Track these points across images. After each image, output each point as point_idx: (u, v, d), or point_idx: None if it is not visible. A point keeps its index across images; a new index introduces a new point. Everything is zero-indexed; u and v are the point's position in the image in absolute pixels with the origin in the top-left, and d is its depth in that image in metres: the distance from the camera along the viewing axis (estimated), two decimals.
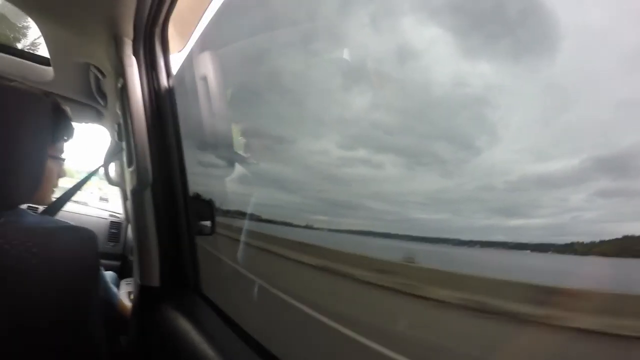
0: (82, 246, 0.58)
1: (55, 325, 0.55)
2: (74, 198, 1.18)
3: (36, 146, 0.62)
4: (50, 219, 0.81)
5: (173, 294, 0.73)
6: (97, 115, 1.53)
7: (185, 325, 0.64)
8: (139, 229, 0.73)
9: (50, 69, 1.20)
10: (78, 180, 1.13)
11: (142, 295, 0.75)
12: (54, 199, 0.95)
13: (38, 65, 1.24)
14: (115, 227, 1.93)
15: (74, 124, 0.78)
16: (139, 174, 0.67)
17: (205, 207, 1.45)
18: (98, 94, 1.29)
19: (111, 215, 2.07)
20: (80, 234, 0.60)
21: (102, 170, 1.76)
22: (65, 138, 0.98)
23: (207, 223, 1.44)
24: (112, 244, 1.85)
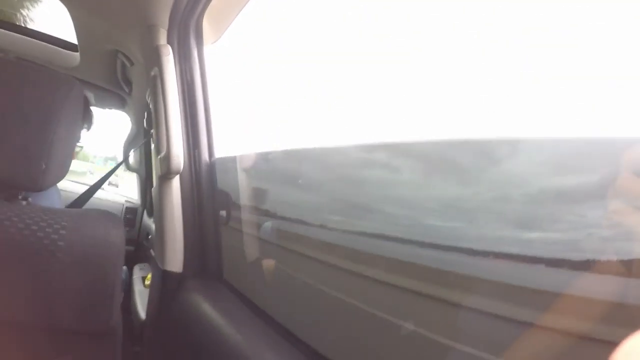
0: (110, 231, 0.59)
1: (80, 309, 0.56)
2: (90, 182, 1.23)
3: (69, 131, 0.64)
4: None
5: (195, 280, 0.76)
6: (121, 102, 1.58)
7: (208, 310, 0.66)
8: (164, 215, 0.75)
9: (76, 54, 1.24)
10: (104, 174, 1.16)
11: (164, 281, 0.77)
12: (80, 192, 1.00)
13: (64, 50, 1.28)
14: (130, 213, 1.99)
15: (97, 109, 0.81)
16: (170, 161, 0.70)
17: (221, 197, 1.49)
18: (123, 81, 1.33)
19: (127, 201, 2.12)
20: (108, 219, 0.62)
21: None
22: (86, 126, 1.01)
23: (223, 213, 1.48)
24: (127, 229, 1.91)
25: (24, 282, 0.52)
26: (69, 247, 0.54)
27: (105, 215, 0.63)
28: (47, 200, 0.70)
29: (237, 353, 0.54)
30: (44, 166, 0.60)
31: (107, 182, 1.21)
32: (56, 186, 0.74)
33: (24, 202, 0.63)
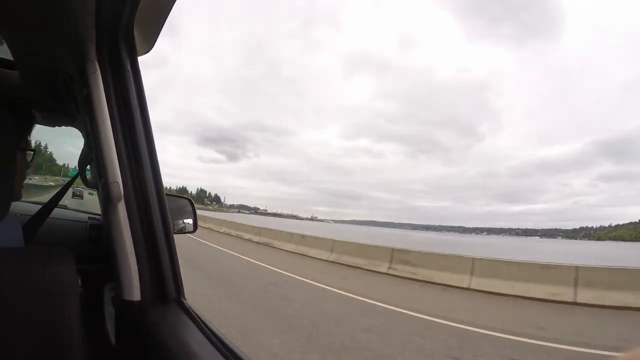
0: (59, 268, 0.58)
1: (39, 354, 0.55)
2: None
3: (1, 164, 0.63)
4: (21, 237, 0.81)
5: (154, 307, 0.74)
6: (69, 119, 1.52)
7: (168, 339, 0.66)
8: (115, 243, 0.73)
9: (15, 72, 1.19)
10: (57, 191, 1.14)
11: (125, 309, 0.75)
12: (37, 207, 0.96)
13: (2, 69, 1.22)
14: (95, 230, 1.94)
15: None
16: (109, 189, 0.68)
17: (186, 205, 1.45)
18: (69, 97, 1.28)
19: (90, 218, 2.07)
20: (57, 255, 0.61)
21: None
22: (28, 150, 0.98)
23: (189, 221, 1.44)
24: (94, 247, 1.86)
25: None
26: (17, 293, 0.53)
27: (53, 251, 0.62)
28: (2, 235, 0.67)
29: None
30: None
31: (71, 194, 1.18)
32: (11, 213, 0.72)
33: None
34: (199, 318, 0.71)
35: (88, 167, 1.84)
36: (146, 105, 0.76)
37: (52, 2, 0.70)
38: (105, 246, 1.85)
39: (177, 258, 0.77)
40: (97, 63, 0.72)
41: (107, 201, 0.71)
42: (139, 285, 0.74)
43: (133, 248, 0.73)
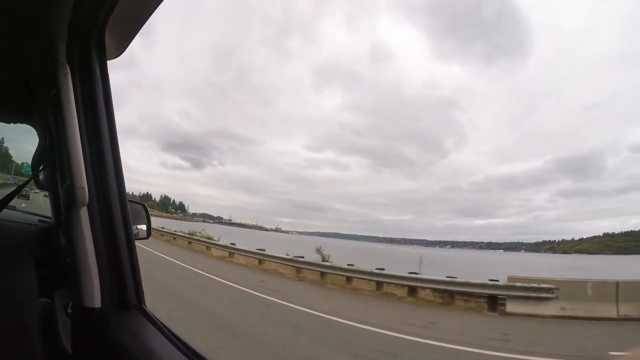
0: (20, 275, 0.59)
1: None
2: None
3: None
4: None
5: (115, 313, 0.74)
6: (25, 115, 1.48)
7: (129, 343, 0.66)
8: (76, 249, 0.73)
9: None
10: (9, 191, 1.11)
11: (85, 316, 0.75)
12: None
13: None
14: (45, 233, 1.87)
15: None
16: (75, 193, 0.68)
17: (140, 210, 1.44)
18: (26, 95, 1.26)
19: (41, 221, 2.00)
20: (17, 260, 0.61)
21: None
22: None
23: (143, 227, 1.43)
24: (43, 251, 1.79)
25: None
26: None
27: (13, 256, 0.62)
28: None
29: None
30: None
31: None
32: None
33: None
34: (162, 323, 0.72)
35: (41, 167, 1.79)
36: (113, 111, 0.77)
37: (29, 2, 0.71)
38: (58, 251, 1.80)
39: (138, 264, 0.78)
40: (67, 65, 0.72)
41: (70, 206, 0.71)
42: (99, 291, 0.74)
43: (95, 254, 0.73)
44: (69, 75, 0.72)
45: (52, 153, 0.84)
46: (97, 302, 0.74)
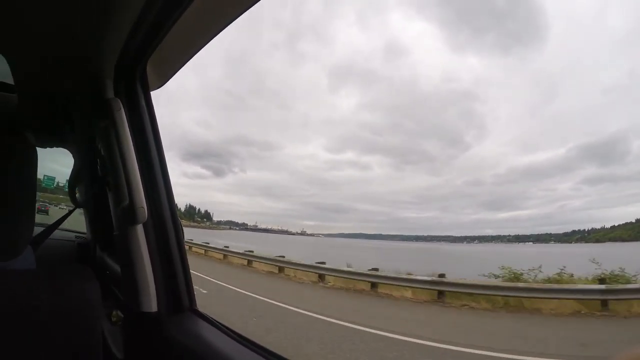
0: (86, 286, 0.68)
1: None
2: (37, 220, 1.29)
3: (25, 194, 0.73)
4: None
5: (171, 316, 0.84)
6: (62, 140, 1.62)
7: (190, 343, 0.76)
8: (133, 260, 0.83)
9: (14, 95, 1.28)
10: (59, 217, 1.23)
11: (140, 321, 0.85)
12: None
13: (1, 92, 1.31)
14: (83, 249, 2.01)
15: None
16: (135, 212, 0.78)
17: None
18: (64, 120, 1.38)
19: (77, 237, 2.14)
20: (81, 274, 0.71)
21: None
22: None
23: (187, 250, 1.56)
24: (82, 266, 1.93)
25: (19, 348, 0.60)
26: (51, 311, 0.63)
27: (78, 270, 0.72)
28: (20, 261, 0.76)
29: None
30: (9, 235, 0.69)
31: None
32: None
33: None
34: (217, 322, 0.82)
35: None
36: (159, 136, 0.88)
37: (76, 43, 0.81)
38: (96, 265, 1.93)
39: (189, 271, 0.88)
40: (118, 100, 0.83)
41: (130, 223, 0.82)
42: (156, 297, 0.84)
43: (150, 264, 0.84)
44: (122, 110, 0.82)
45: (103, 176, 0.95)
46: (153, 307, 0.84)
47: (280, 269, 11.11)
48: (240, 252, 13.56)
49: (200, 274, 8.98)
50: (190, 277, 0.88)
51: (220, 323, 0.82)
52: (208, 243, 16.50)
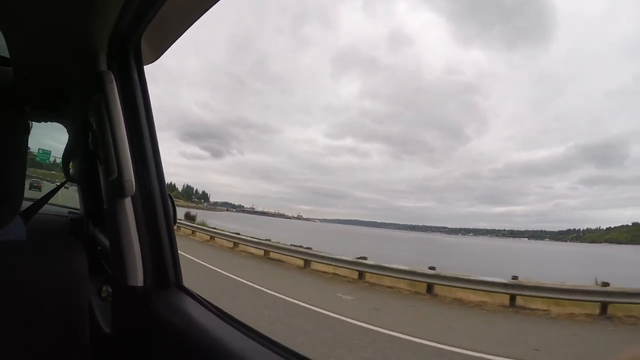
0: (73, 258, 0.70)
1: (57, 333, 0.67)
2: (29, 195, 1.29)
3: (16, 165, 0.74)
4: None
5: (157, 291, 0.86)
6: (57, 114, 1.61)
7: (174, 318, 0.77)
8: (120, 234, 0.84)
9: (9, 69, 1.27)
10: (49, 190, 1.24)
11: (127, 295, 0.86)
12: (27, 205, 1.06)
13: None
14: (76, 224, 2.03)
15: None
16: (123, 184, 0.79)
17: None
18: (59, 95, 1.38)
19: (70, 212, 2.15)
20: (70, 246, 0.72)
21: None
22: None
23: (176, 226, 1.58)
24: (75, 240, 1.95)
25: (5, 317, 0.62)
26: (40, 281, 0.65)
27: (67, 243, 0.74)
28: (10, 232, 0.77)
29: (213, 358, 0.65)
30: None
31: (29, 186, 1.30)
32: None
33: None
34: (202, 298, 0.84)
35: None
36: (151, 111, 0.89)
37: (70, 16, 0.81)
38: (88, 240, 1.95)
39: (176, 247, 0.89)
40: (111, 73, 0.83)
41: (117, 197, 0.83)
42: (142, 271, 0.85)
43: (137, 238, 0.85)
44: (114, 83, 0.82)
45: (94, 150, 0.95)
46: (139, 281, 0.85)
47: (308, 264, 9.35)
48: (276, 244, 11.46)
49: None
50: (177, 253, 0.90)
51: (204, 299, 0.83)
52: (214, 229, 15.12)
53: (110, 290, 1.26)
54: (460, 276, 7.36)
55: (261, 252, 11.24)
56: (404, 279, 7.60)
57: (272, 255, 10.85)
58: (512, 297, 6.48)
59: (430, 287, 7.22)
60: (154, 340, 0.81)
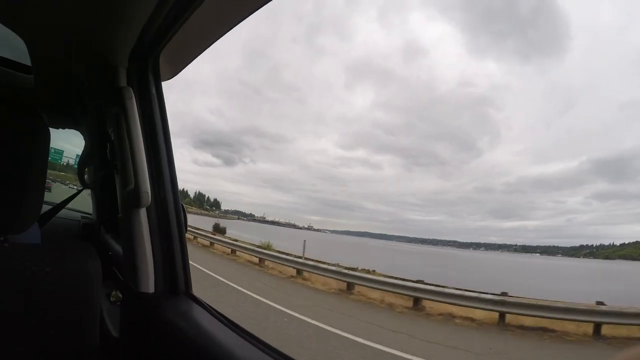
0: (88, 263, 0.74)
1: (68, 335, 0.70)
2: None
3: (37, 171, 0.77)
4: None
5: (167, 298, 0.89)
6: (74, 122, 1.68)
7: (181, 325, 0.80)
8: (135, 242, 0.88)
9: (30, 77, 1.33)
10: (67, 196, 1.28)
11: (138, 301, 0.90)
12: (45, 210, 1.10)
13: (18, 73, 1.37)
14: (88, 229, 2.08)
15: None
16: (140, 196, 0.83)
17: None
18: (77, 103, 1.43)
19: (83, 217, 2.20)
20: (84, 251, 0.76)
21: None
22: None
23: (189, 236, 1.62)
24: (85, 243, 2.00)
25: (19, 317, 0.65)
26: (51, 285, 0.68)
27: (80, 247, 0.77)
28: (26, 235, 0.81)
29: None
30: (18, 210, 0.73)
31: None
32: None
33: (6, 244, 0.75)
34: (210, 307, 0.86)
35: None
36: (168, 126, 0.93)
37: (93, 31, 0.85)
38: (100, 245, 1.99)
39: (187, 256, 0.93)
40: (130, 89, 0.87)
41: (133, 206, 0.86)
42: (153, 278, 0.89)
43: (150, 246, 0.89)
44: (133, 99, 0.86)
45: (112, 160, 0.99)
46: (150, 288, 0.89)
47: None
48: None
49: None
50: (188, 262, 0.93)
51: (213, 308, 0.86)
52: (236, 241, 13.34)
53: (120, 295, 1.29)
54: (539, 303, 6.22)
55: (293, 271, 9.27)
56: (475, 307, 6.41)
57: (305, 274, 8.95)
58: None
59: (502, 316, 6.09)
60: (161, 345, 0.83)
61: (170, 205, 0.91)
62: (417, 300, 7.04)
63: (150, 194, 0.84)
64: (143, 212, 0.88)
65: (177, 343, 0.79)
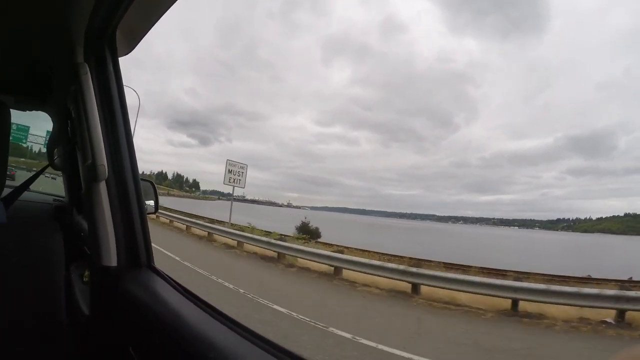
0: (50, 238, 0.75)
1: (32, 310, 0.71)
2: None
3: None
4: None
5: (129, 271, 0.92)
6: (41, 103, 1.66)
7: (143, 297, 0.83)
8: (96, 216, 0.91)
9: None
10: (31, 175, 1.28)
11: (103, 275, 0.93)
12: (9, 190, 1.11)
13: None
14: (60, 212, 2.08)
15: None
16: (96, 170, 0.85)
17: (148, 187, 1.63)
18: (42, 83, 1.42)
19: (55, 200, 2.19)
20: (47, 226, 0.77)
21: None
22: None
23: (151, 202, 1.63)
24: (52, 223, 2.00)
25: None
26: (16, 260, 0.69)
27: (46, 227, 0.79)
28: None
29: (176, 335, 0.70)
30: None
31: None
32: None
33: None
34: (170, 278, 0.90)
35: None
36: (125, 101, 0.95)
37: (47, 9, 0.85)
38: (72, 227, 2.00)
39: (148, 229, 0.95)
40: (86, 65, 0.88)
41: (92, 181, 0.88)
42: (116, 252, 0.91)
43: (112, 220, 0.91)
44: (89, 74, 0.88)
45: (73, 137, 1.01)
46: (113, 261, 0.92)
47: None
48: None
49: None
50: (149, 234, 0.96)
51: (174, 280, 0.89)
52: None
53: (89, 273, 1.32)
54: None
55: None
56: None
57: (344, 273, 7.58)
58: None
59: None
60: (124, 316, 0.87)
61: (129, 179, 0.93)
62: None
63: (107, 167, 0.86)
64: (103, 187, 0.90)
65: (138, 313, 0.82)
